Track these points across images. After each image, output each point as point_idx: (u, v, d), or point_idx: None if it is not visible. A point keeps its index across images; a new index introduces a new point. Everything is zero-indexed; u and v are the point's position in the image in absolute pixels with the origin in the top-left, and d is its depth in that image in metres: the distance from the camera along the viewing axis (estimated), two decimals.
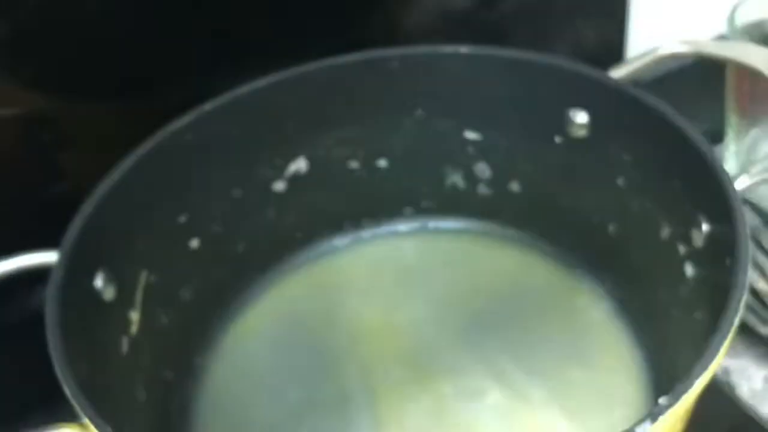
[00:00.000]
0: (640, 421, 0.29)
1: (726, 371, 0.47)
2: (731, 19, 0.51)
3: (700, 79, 0.57)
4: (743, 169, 0.38)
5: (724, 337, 0.31)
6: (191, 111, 0.43)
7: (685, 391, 0.30)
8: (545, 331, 0.44)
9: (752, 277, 0.50)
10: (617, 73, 0.43)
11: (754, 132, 0.54)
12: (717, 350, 0.31)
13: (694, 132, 0.38)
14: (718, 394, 0.45)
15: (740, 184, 0.36)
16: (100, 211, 0.39)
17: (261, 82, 0.44)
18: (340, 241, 0.50)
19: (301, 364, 0.45)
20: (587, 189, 0.45)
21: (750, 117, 0.53)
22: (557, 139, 0.45)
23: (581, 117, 0.43)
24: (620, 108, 0.41)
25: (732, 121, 0.54)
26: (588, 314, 0.45)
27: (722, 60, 0.43)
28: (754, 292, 0.49)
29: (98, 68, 0.46)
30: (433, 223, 0.51)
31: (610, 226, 0.45)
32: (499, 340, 0.44)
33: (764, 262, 0.51)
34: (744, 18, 0.51)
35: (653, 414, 0.29)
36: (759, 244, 0.51)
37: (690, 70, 0.59)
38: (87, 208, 0.39)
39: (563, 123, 0.44)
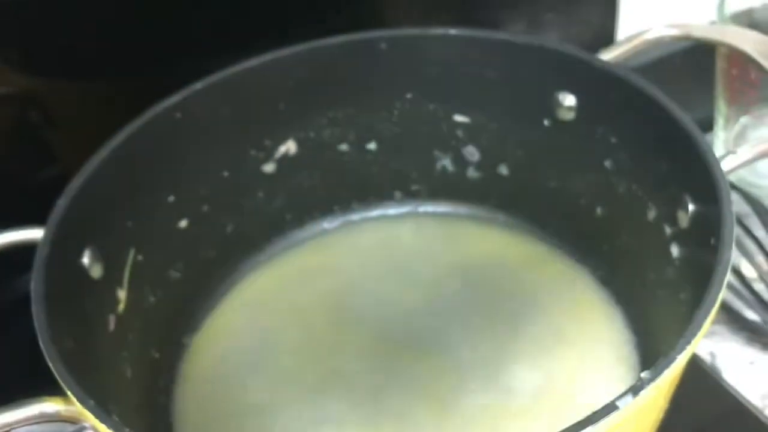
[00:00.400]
0: (622, 394, 0.29)
1: (712, 355, 0.47)
2: (721, 7, 0.51)
3: (690, 70, 0.57)
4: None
5: (707, 312, 0.31)
6: (182, 89, 0.43)
7: (667, 365, 0.30)
8: (533, 312, 0.44)
9: (739, 262, 0.50)
10: (606, 55, 0.42)
11: (744, 119, 0.54)
12: (700, 325, 0.31)
13: (680, 113, 0.38)
14: (704, 378, 0.45)
15: (727, 164, 0.36)
16: (88, 188, 0.39)
17: (251, 63, 0.44)
18: (329, 223, 0.50)
19: (288, 345, 0.45)
20: (575, 171, 0.45)
21: (739, 104, 0.53)
22: (545, 122, 0.45)
23: (569, 100, 0.43)
24: (607, 90, 0.41)
25: (721, 108, 0.54)
26: (575, 296, 0.45)
27: (711, 43, 0.43)
28: (741, 277, 0.49)
29: (90, 48, 0.46)
30: (423, 207, 0.51)
31: (597, 208, 0.45)
32: (488, 322, 0.44)
33: (752, 248, 0.51)
34: (733, 6, 0.51)
35: (635, 388, 0.29)
36: (747, 230, 0.51)
37: (679, 61, 0.59)
38: (74, 184, 0.39)
39: (551, 106, 0.44)
